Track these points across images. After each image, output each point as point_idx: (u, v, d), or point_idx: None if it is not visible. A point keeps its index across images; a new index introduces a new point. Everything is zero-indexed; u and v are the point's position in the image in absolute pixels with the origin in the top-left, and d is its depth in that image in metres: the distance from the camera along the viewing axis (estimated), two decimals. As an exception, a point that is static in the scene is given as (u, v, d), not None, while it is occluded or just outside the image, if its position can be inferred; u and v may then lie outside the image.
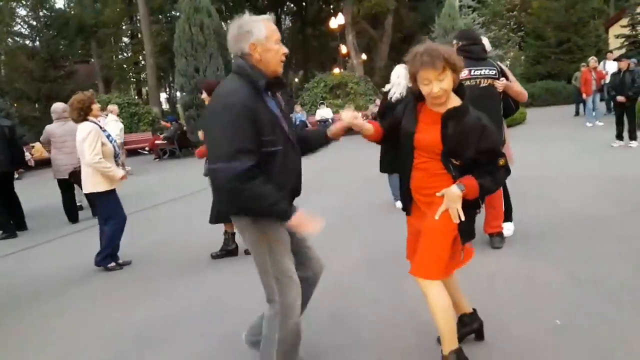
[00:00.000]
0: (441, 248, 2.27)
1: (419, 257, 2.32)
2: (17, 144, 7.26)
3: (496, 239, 4.34)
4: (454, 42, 4.29)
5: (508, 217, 4.56)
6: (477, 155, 2.25)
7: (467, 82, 4.13)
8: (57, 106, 7.39)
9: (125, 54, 39.00)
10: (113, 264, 4.89)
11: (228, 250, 4.93)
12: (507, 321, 3.00)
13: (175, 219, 6.96)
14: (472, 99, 4.10)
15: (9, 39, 29.85)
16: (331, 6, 34.88)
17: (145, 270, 4.80)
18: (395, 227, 5.17)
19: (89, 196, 4.89)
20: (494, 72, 4.13)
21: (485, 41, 4.59)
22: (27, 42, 28.34)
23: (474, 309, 2.72)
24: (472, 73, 4.16)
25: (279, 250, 2.26)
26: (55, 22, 27.03)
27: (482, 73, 4.13)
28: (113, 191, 4.79)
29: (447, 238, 2.27)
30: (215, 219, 4.74)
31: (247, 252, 4.77)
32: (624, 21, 24.62)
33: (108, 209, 4.82)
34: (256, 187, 2.04)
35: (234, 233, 4.91)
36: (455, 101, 2.29)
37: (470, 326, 2.69)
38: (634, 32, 24.03)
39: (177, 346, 3.14)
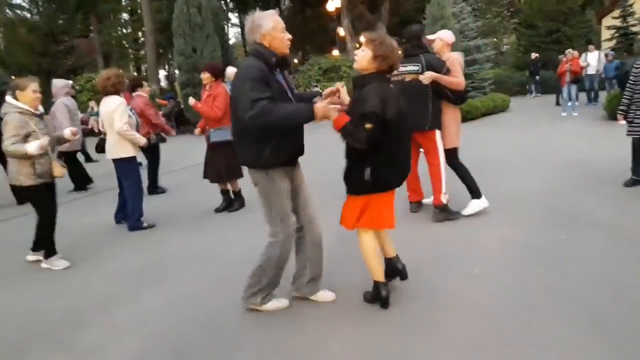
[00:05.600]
0: (352, 205, 3.08)
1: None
2: None
3: (435, 212, 4.99)
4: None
5: (475, 195, 5.05)
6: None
7: (395, 78, 4.71)
8: (65, 82, 8.02)
9: (124, 31, 39.24)
10: (145, 224, 5.55)
11: (228, 204, 6.04)
12: (436, 269, 3.76)
13: (172, 188, 7.67)
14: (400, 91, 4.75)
15: (8, 11, 30.13)
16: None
17: (142, 231, 5.53)
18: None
19: (115, 162, 5.41)
20: (417, 67, 4.71)
21: (445, 33, 5.09)
22: (27, 14, 28.66)
23: (396, 254, 3.40)
24: (399, 69, 4.73)
25: (280, 197, 3.00)
26: (56, -4, 27.29)
27: (407, 69, 4.74)
28: (135, 157, 5.42)
29: (356, 200, 3.06)
30: (215, 177, 5.86)
31: (216, 211, 6.01)
32: (616, 12, 25.04)
33: (131, 174, 5.43)
34: (277, 107, 2.73)
35: (228, 190, 6.00)
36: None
37: (395, 266, 3.37)
38: (624, 24, 24.47)
39: (169, 286, 3.88)
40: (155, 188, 7.46)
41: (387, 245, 3.34)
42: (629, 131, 5.77)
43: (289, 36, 2.96)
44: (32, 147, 4.06)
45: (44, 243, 4.45)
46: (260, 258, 3.14)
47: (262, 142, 2.87)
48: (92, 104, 18.87)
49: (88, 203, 7.27)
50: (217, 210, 6.00)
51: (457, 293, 3.34)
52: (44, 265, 4.46)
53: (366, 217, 3.06)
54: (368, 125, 2.74)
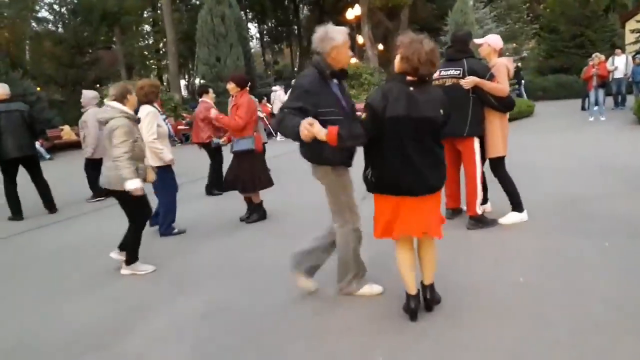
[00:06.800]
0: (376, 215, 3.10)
1: None
2: (34, 128, 7.31)
3: (470, 222, 4.87)
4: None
5: (516, 208, 4.93)
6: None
7: (436, 82, 4.64)
8: (94, 93, 8.24)
9: (147, 41, 39.91)
10: (176, 230, 5.62)
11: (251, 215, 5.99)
12: (480, 278, 3.70)
13: (202, 194, 7.73)
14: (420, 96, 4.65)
15: (34, 24, 30.91)
16: (349, -4, 35.26)
17: (175, 237, 5.60)
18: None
19: None
20: (458, 72, 4.60)
21: (492, 38, 4.97)
22: (52, 27, 29.34)
23: (430, 283, 3.18)
24: (440, 74, 4.69)
25: (349, 190, 3.33)
26: (81, 9, 27.87)
27: (448, 74, 4.65)
28: (169, 166, 5.40)
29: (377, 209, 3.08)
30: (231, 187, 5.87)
31: (241, 220, 5.96)
32: (640, 16, 24.62)
33: (164, 182, 5.35)
34: (285, 118, 3.08)
35: (251, 200, 5.94)
36: None
37: (423, 294, 3.19)
38: (649, 27, 24.01)
39: (205, 294, 3.90)
40: (221, 186, 7.65)
41: (423, 269, 3.20)
42: None
43: (352, 53, 3.32)
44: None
45: (132, 248, 4.43)
46: (338, 249, 3.41)
47: (321, 143, 3.00)
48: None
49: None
50: (242, 219, 5.99)
51: (506, 302, 3.27)
52: (125, 271, 4.44)
53: (381, 224, 3.07)
54: (363, 116, 2.88)
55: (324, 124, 2.93)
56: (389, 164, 2.89)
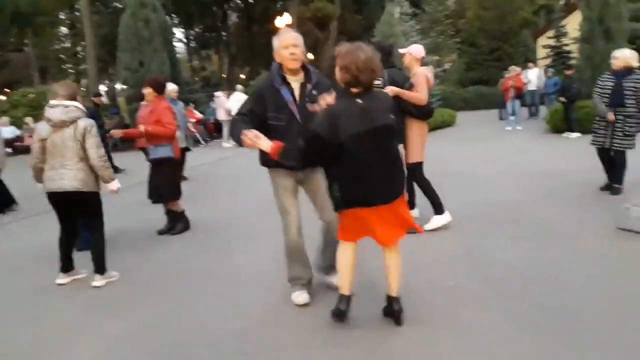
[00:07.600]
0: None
1: None
2: None
3: None
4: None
5: (437, 211, 5.03)
6: None
7: None
8: None
9: (62, 45, 37.67)
10: None
11: (170, 227, 5.64)
12: (409, 283, 3.55)
13: (125, 206, 7.25)
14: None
15: None
16: (278, 4, 35.35)
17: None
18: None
19: None
20: (379, 82, 4.64)
21: (415, 48, 5.12)
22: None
23: (396, 296, 3.05)
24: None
25: (280, 193, 3.38)
26: (-11, 8, 25.90)
27: None
28: None
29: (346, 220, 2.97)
30: (157, 198, 5.55)
31: (160, 233, 5.59)
32: (550, 33, 26.61)
33: None
34: (235, 124, 3.22)
35: (171, 210, 5.63)
36: None
37: (390, 307, 3.07)
38: (558, 43, 26.00)
39: (135, 313, 3.63)
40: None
41: (390, 280, 3.06)
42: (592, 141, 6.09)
43: (292, 50, 3.15)
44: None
45: (102, 256, 4.15)
46: None
47: None
48: (28, 119, 17.87)
49: (30, 225, 6.73)
50: (161, 233, 5.60)
51: (437, 308, 3.26)
52: (99, 282, 4.08)
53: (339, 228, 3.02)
54: (301, 142, 2.84)
55: (268, 127, 3.12)
56: (357, 179, 2.79)
